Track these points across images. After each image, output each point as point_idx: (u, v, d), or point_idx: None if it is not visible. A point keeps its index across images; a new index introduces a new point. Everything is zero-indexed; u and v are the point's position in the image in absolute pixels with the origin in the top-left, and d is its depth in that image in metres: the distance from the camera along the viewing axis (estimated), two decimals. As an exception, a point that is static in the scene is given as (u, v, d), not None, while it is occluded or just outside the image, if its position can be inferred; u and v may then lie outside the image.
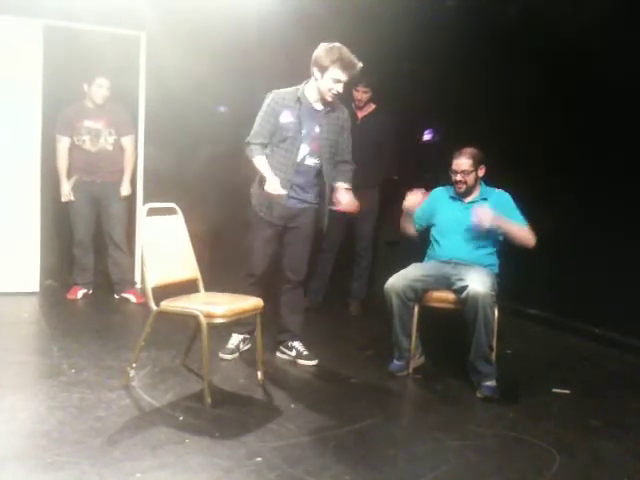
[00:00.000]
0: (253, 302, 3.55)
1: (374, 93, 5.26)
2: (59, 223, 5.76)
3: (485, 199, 3.96)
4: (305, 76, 4.02)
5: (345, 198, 3.90)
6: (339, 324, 5.18)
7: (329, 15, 5.31)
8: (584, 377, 4.07)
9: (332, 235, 5.37)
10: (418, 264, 4.00)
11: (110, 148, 5.35)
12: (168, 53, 5.36)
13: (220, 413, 3.22)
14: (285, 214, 3.90)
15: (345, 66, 3.70)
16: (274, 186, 3.65)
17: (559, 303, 4.97)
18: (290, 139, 3.80)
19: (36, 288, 5.44)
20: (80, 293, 5.42)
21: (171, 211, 3.70)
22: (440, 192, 4.10)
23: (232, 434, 2.99)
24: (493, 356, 3.65)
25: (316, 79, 3.78)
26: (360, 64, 3.74)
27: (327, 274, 5.40)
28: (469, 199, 4.00)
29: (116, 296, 5.47)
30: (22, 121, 5.32)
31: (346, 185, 3.96)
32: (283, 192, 3.70)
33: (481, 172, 3.97)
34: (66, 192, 5.32)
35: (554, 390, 3.74)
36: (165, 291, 3.50)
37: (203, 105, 6.06)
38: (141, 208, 3.58)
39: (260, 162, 3.80)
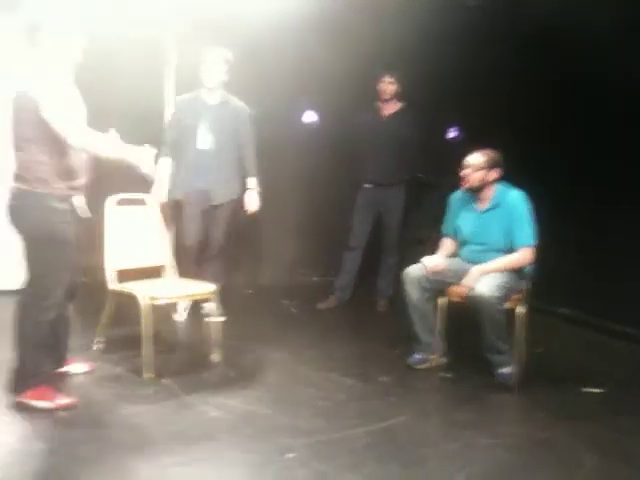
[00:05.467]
0: (204, 287, 3.84)
1: (401, 89, 5.20)
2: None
3: (498, 205, 3.81)
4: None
5: (253, 202, 4.56)
6: (367, 322, 5.18)
7: (349, 17, 5.29)
8: (615, 376, 4.03)
9: (359, 232, 5.38)
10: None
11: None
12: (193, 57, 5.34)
13: (251, 409, 3.25)
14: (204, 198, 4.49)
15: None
16: (157, 194, 4.28)
17: (590, 302, 4.92)
18: (189, 128, 4.44)
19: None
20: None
21: (142, 202, 4.04)
22: (458, 196, 4.02)
23: (263, 430, 3.02)
24: (504, 345, 3.63)
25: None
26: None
27: (354, 271, 5.39)
28: (484, 206, 3.87)
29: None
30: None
31: (252, 184, 4.57)
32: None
33: (492, 175, 3.80)
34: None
35: (585, 389, 3.72)
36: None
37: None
38: (111, 199, 3.86)
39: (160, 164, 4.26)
